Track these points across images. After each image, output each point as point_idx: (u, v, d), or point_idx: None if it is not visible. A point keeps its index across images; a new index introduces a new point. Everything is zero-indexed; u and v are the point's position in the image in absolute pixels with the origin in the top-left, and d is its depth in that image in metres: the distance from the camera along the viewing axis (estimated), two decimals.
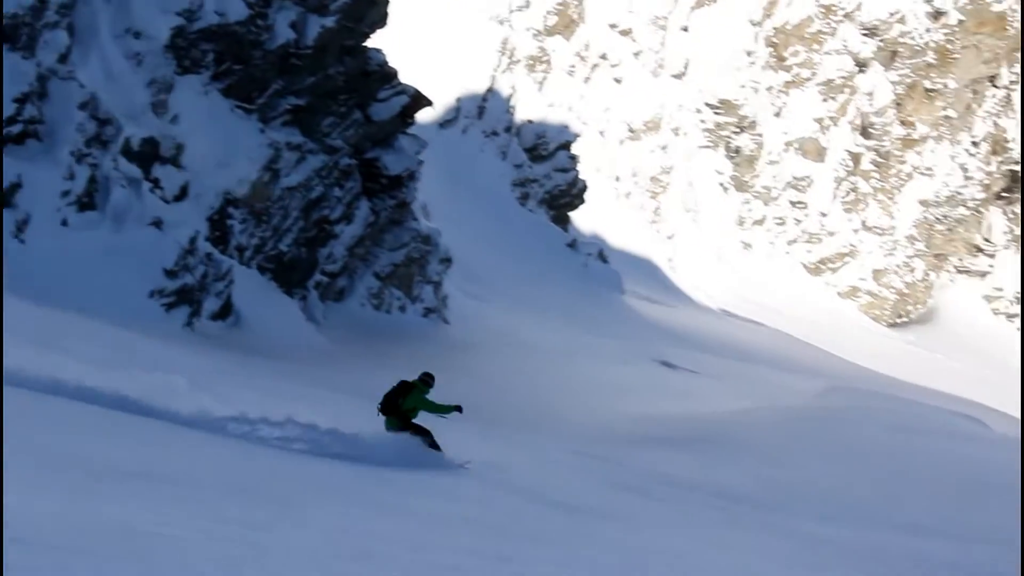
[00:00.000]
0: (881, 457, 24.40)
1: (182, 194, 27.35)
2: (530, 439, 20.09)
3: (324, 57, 30.81)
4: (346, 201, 31.66)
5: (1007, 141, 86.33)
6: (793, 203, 77.54)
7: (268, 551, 6.22)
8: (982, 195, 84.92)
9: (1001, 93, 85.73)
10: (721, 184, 74.41)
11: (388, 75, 33.08)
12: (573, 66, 63.08)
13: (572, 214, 54.74)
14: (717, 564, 9.01)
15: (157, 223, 26.04)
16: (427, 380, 14.66)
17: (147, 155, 26.86)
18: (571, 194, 54.27)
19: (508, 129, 52.84)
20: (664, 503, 14.39)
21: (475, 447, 17.15)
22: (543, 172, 53.97)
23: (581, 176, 55.24)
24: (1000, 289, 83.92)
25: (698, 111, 73.62)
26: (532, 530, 9.47)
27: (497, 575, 6.76)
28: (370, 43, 32.72)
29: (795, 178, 77.66)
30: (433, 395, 14.67)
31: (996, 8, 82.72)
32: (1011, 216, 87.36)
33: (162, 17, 27.56)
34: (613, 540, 9.83)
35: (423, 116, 37.90)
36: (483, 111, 51.38)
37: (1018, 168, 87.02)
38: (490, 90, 51.62)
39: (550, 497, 12.29)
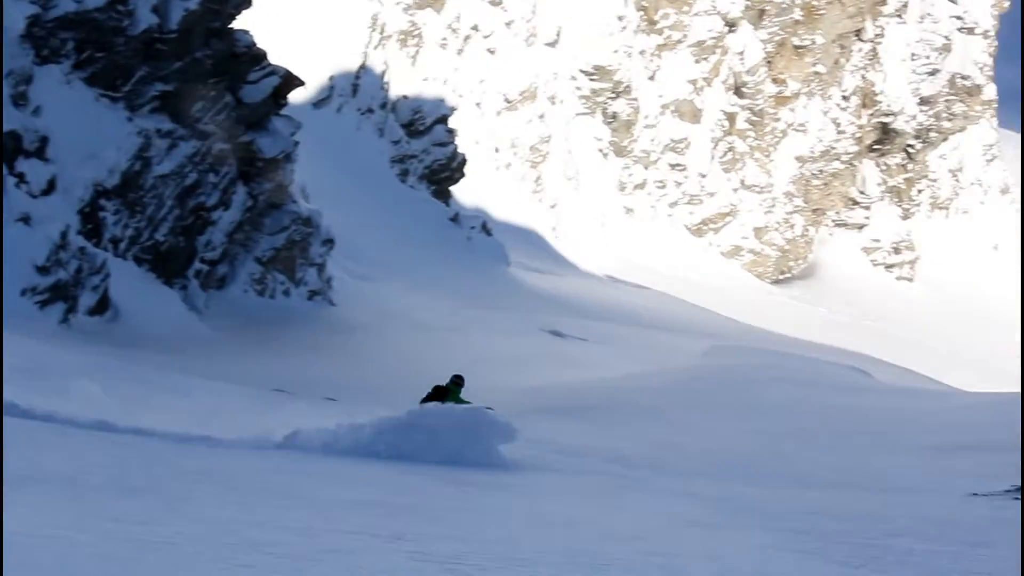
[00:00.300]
0: (771, 412, 24.57)
1: (50, 188, 26.62)
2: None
3: (190, 41, 30.16)
4: (222, 187, 31.08)
5: (876, 94, 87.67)
6: (672, 166, 77.95)
7: (157, 547, 5.96)
8: (855, 148, 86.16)
9: (867, 47, 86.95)
10: (600, 150, 74.57)
11: (257, 56, 32.51)
12: (445, 39, 62.68)
13: (453, 188, 54.47)
14: (613, 528, 8.87)
15: (25, 219, 25.33)
16: (458, 381, 15.41)
17: (10, 149, 26.08)
18: (451, 168, 54.00)
19: (383, 106, 52.38)
20: (560, 472, 14.25)
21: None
22: (421, 147, 53.63)
23: (460, 149, 54.98)
24: (877, 240, 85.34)
25: (573, 78, 73.64)
26: (429, 508, 9.27)
27: (390, 554, 6.55)
28: (236, 25, 32.11)
29: (673, 140, 78.06)
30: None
31: None
32: (883, 168, 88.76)
33: (15, 6, 26.73)
34: (509, 510, 9.65)
35: (296, 96, 37.35)
36: (357, 89, 50.86)
37: (888, 119, 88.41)
38: (363, 67, 51.09)
39: (446, 475, 12.08)
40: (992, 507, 12.96)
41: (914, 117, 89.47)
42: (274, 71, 32.94)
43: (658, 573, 6.86)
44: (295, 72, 33.82)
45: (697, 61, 78.92)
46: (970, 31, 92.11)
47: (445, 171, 53.79)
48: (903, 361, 48.90)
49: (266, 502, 8.36)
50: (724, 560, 7.83)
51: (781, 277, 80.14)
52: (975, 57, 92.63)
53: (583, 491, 12.36)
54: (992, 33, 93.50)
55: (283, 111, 33.81)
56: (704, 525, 9.85)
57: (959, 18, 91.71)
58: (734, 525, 10.01)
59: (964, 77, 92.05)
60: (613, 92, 75.59)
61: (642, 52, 76.98)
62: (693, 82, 78.47)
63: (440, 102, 56.25)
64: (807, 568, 7.84)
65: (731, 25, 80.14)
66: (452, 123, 55.53)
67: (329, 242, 35.31)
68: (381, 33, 53.38)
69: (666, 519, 10.02)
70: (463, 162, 54.58)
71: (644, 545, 7.99)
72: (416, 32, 59.33)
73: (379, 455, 12.84)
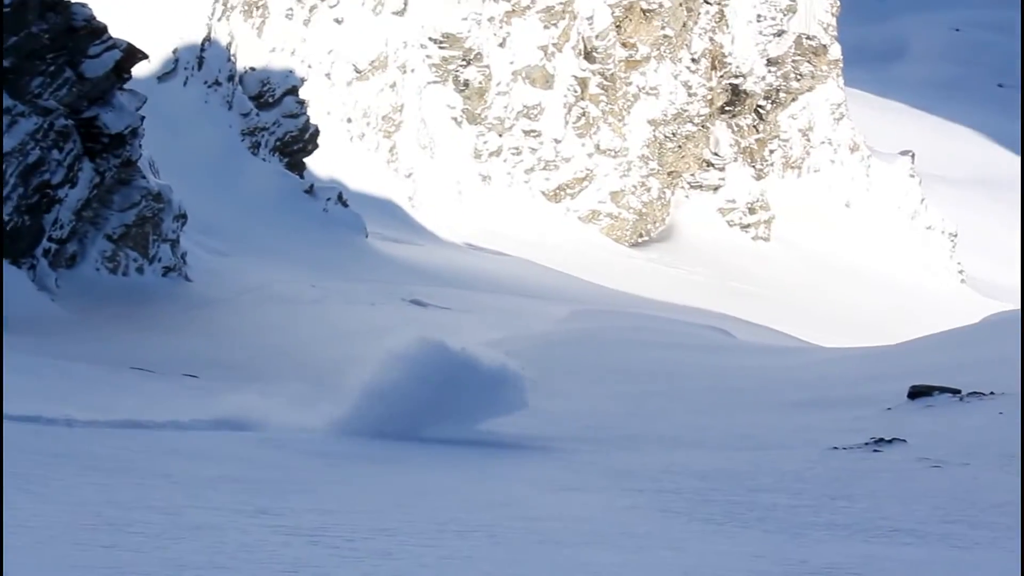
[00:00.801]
0: (635, 374, 24.75)
1: None
2: (287, 389, 19.68)
3: (24, 15, 29.31)
4: (67, 164, 30.35)
5: (724, 56, 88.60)
6: (526, 132, 78.02)
7: (11, 530, 5.74)
8: (707, 111, 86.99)
9: (714, 9, 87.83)
10: (454, 118, 74.38)
11: (97, 30, 31.74)
12: (291, 9, 61.90)
13: (307, 160, 53.95)
14: (480, 496, 8.84)
15: None
16: None
17: None
18: (303, 140, 53.50)
19: (231, 78, 51.57)
20: (430, 444, 14.18)
21: (255, 405, 16.64)
22: (272, 119, 53.02)
23: (311, 121, 54.43)
24: (732, 201, 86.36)
25: (423, 47, 73.27)
26: (296, 481, 9.15)
27: (255, 529, 6.41)
28: None
29: (526, 107, 78.11)
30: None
31: None
32: (735, 129, 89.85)
33: None
34: (381, 482, 9.56)
35: (140, 70, 36.56)
36: (202, 61, 49.95)
37: (737, 81, 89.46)
38: (207, 39, 50.16)
39: (316, 448, 11.96)
40: (851, 460, 13.31)
41: (763, 78, 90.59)
42: (115, 45, 32.18)
43: (522, 537, 6.83)
44: (137, 45, 33.11)
45: (546, 27, 78.99)
46: None
47: (297, 143, 53.27)
48: (763, 320, 49.64)
49: (127, 482, 8.16)
50: (590, 522, 7.86)
51: (639, 240, 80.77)
52: (820, 17, 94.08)
53: (449, 461, 12.33)
54: None
55: (127, 85, 33.09)
56: (571, 489, 9.89)
57: None
58: (600, 488, 10.09)
59: (810, 37, 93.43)
60: (464, 60, 75.36)
61: (491, 19, 76.85)
62: (543, 48, 78.54)
63: (289, 73, 55.60)
64: (672, 527, 7.92)
65: None
66: (302, 94, 54.95)
67: (182, 217, 34.75)
68: (225, 4, 52.46)
69: (532, 485, 10.05)
70: (315, 133, 54.08)
71: (509, 511, 7.99)
72: (261, 3, 58.50)
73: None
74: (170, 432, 12.47)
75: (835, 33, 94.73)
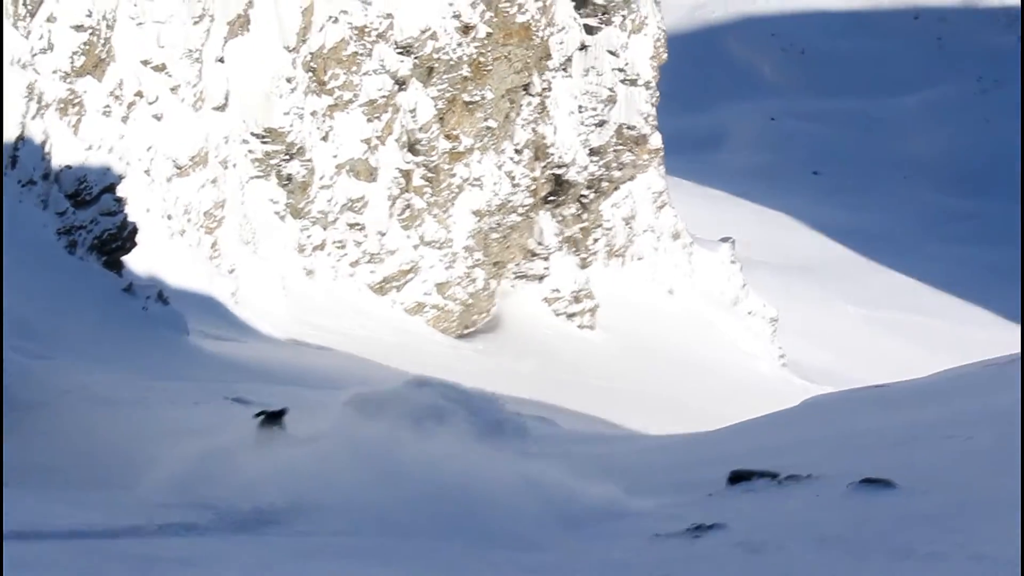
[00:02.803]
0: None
1: None
2: (99, 493, 19.38)
3: None
4: None
5: (547, 146, 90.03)
6: (351, 225, 78.12)
7: None
8: (530, 200, 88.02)
9: (536, 100, 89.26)
10: (277, 213, 74.19)
11: None
12: (108, 106, 61.20)
13: (125, 258, 53.16)
14: None
15: None
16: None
17: None
18: (121, 237, 52.73)
19: (46, 176, 50.71)
20: (238, 542, 14.06)
21: (60, 513, 16.41)
22: (89, 217, 52.16)
23: (130, 218, 53.70)
24: (557, 290, 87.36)
25: (245, 142, 73.09)
26: None
27: None
28: None
29: (350, 200, 78.24)
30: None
31: (521, 19, 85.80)
32: (559, 219, 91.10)
33: None
34: None
35: None
36: (16, 160, 49.08)
37: (561, 171, 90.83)
38: (21, 138, 49.36)
39: (123, 552, 11.81)
40: (672, 547, 13.48)
41: (585, 168, 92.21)
42: None
43: None
44: None
45: (369, 120, 79.38)
46: (632, 83, 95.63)
47: (115, 241, 52.48)
48: (589, 408, 50.16)
49: None
50: None
51: (466, 331, 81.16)
52: (640, 108, 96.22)
53: (256, 559, 12.21)
54: (653, 84, 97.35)
55: None
56: None
57: (621, 70, 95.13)
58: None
59: (630, 127, 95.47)
60: (287, 154, 75.26)
61: (313, 113, 77.00)
62: (367, 141, 78.90)
63: (107, 170, 54.84)
64: None
65: (401, 83, 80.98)
66: (121, 191, 54.21)
67: None
68: (39, 102, 51.73)
69: None
70: (134, 231, 53.35)
71: None
72: (77, 100, 57.78)
73: None
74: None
75: (655, 123, 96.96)
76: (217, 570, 10.73)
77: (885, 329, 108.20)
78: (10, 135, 48.81)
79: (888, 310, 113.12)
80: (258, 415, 22.44)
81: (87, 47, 61.22)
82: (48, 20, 57.37)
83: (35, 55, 55.69)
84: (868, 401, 25.91)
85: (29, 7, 55.25)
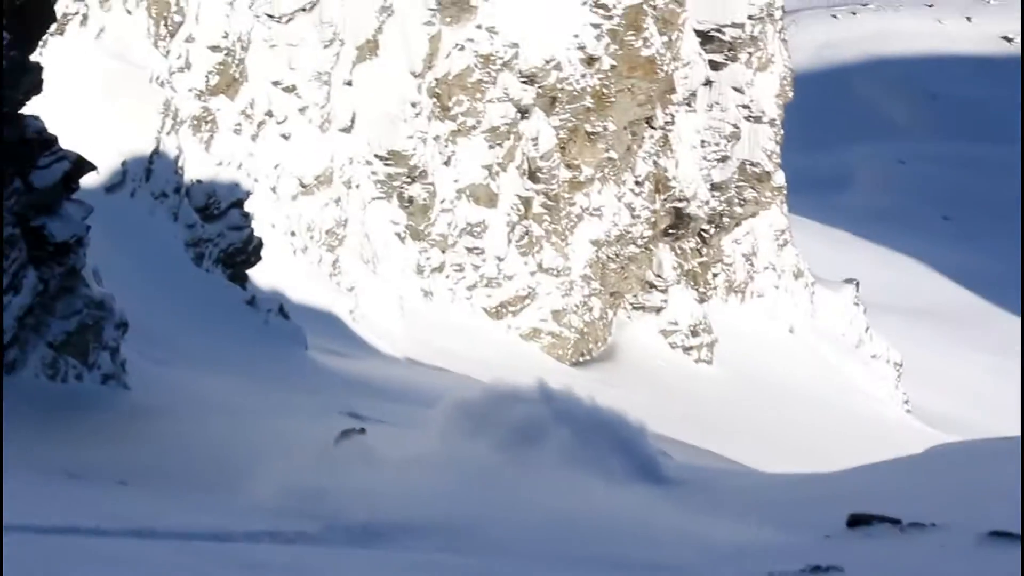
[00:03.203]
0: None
1: None
2: (212, 500, 19.74)
3: None
4: (12, 271, 30.42)
5: (668, 179, 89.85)
6: (469, 249, 78.57)
7: None
8: (650, 233, 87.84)
9: (658, 133, 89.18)
10: (397, 234, 74.88)
11: (48, 142, 31.95)
12: (239, 124, 62.48)
13: (249, 272, 54.04)
14: None
15: None
16: None
17: None
18: (247, 251, 53.58)
19: (177, 190, 51.84)
20: (351, 550, 14.29)
21: (174, 514, 16.80)
22: (216, 231, 53.12)
23: (256, 233, 54.59)
24: (675, 323, 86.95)
25: (368, 163, 73.99)
26: None
27: None
28: (26, 110, 31.58)
29: (469, 224, 78.72)
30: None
31: (646, 52, 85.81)
32: (679, 252, 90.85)
33: None
34: None
35: (88, 181, 36.77)
36: (150, 173, 50.25)
37: (681, 205, 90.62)
38: (156, 152, 50.53)
39: (234, 555, 12.08)
40: None
41: (707, 202, 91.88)
42: (65, 156, 32.38)
43: None
44: (87, 157, 33.37)
45: (491, 147, 79.92)
46: (757, 120, 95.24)
47: (241, 255, 53.35)
48: (704, 443, 49.91)
49: None
50: None
51: (581, 360, 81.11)
52: (763, 144, 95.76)
53: (368, 570, 12.38)
54: (778, 122, 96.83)
55: (74, 195, 33.28)
56: None
57: (746, 107, 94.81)
58: None
59: (753, 164, 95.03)
60: (409, 177, 76.01)
61: (436, 138, 77.75)
62: (488, 167, 79.42)
63: (235, 186, 55.85)
64: None
65: (524, 112, 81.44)
66: (247, 207, 55.18)
67: (123, 325, 34.72)
68: (174, 119, 52.92)
69: None
70: (259, 246, 54.21)
71: None
72: (210, 118, 59.04)
73: None
74: (92, 538, 12.56)
75: (779, 160, 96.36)
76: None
77: (1013, 378, 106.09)
78: (146, 149, 49.99)
79: (1016, 359, 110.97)
80: (343, 432, 23.09)
81: (222, 67, 62.59)
82: (187, 40, 58.82)
83: (173, 73, 57.08)
84: (997, 452, 25.42)
85: (170, 28, 56.67)
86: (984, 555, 14.26)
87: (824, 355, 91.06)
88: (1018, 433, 29.44)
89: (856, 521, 17.41)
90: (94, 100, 47.92)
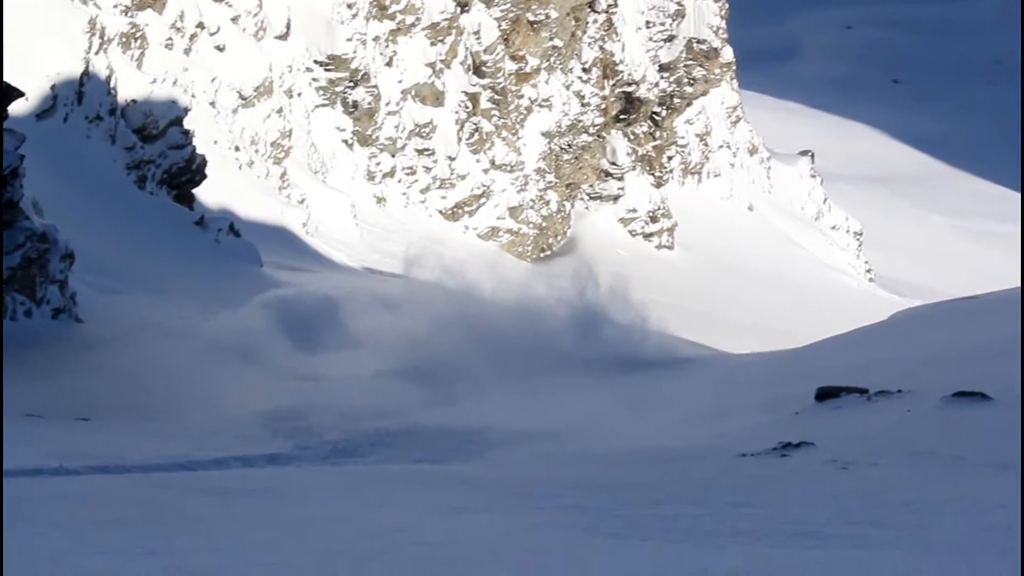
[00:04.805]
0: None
1: None
2: (177, 429, 19.63)
3: None
4: None
5: (616, 64, 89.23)
6: (419, 151, 78.06)
7: None
8: (601, 120, 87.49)
9: (602, 17, 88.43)
10: (345, 141, 74.27)
11: None
12: (170, 39, 61.39)
13: (195, 191, 53.49)
14: (379, 522, 8.84)
15: None
16: None
17: None
18: (190, 170, 53.00)
19: (112, 112, 51.01)
20: (328, 472, 14.22)
21: (125, 445, 16.64)
22: (157, 151, 52.43)
23: (198, 151, 53.93)
24: (634, 210, 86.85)
25: (309, 70, 73.16)
26: (185, 520, 9.07)
27: (145, 571, 6.38)
28: None
29: (417, 126, 78.13)
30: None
31: None
32: (632, 137, 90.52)
33: None
34: (273, 515, 9.53)
35: (17, 109, 36.16)
36: (82, 96, 49.36)
37: (631, 89, 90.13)
38: (86, 74, 49.60)
39: (205, 484, 11.91)
40: (758, 466, 13.44)
41: (656, 84, 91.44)
42: None
43: (418, 563, 6.87)
44: (13, 84, 32.68)
45: (433, 44, 79.08)
46: None
47: (185, 174, 52.76)
48: (669, 328, 49.83)
49: (12, 530, 8.07)
50: (489, 543, 7.89)
51: (542, 255, 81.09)
52: (709, 21, 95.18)
53: (350, 488, 12.31)
54: None
55: (4, 125, 32.64)
56: (471, 510, 9.93)
57: None
58: (502, 507, 10.14)
59: (700, 41, 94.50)
60: (351, 81, 75.20)
61: (376, 39, 76.79)
62: (431, 65, 78.65)
63: (172, 104, 54.99)
64: (576, 543, 7.99)
65: (463, 5, 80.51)
66: (187, 124, 54.43)
67: (69, 257, 34.26)
68: (102, 37, 51.93)
69: (431, 508, 10.07)
70: (203, 163, 53.62)
71: (406, 536, 8.00)
72: (139, 34, 57.92)
73: None
74: (59, 477, 12.41)
75: (726, 36, 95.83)
76: (301, 500, 10.79)
77: (974, 239, 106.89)
78: (75, 71, 49.06)
79: (976, 219, 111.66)
80: None
81: None
82: None
83: None
84: (959, 313, 25.59)
85: None
86: (951, 415, 14.39)
87: (784, 230, 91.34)
88: (979, 292, 29.60)
89: (824, 395, 17.56)
90: (15, 25, 46.92)
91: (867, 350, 23.57)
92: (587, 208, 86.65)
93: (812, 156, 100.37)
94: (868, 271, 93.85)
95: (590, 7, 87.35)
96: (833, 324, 38.57)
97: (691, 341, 44.40)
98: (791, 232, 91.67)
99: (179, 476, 13.11)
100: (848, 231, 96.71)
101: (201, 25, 65.30)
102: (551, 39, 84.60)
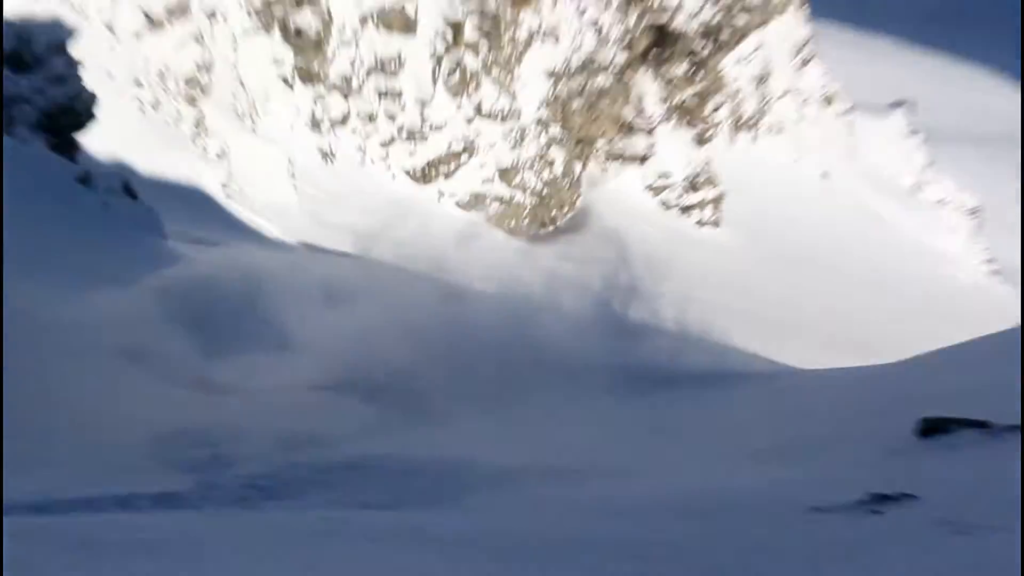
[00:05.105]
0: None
1: None
2: (35, 455, 19.30)
3: None
4: None
5: None
6: (382, 93, 78.31)
7: None
8: (624, 57, 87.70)
9: None
10: (283, 77, 74.43)
11: None
12: None
13: (81, 138, 53.47)
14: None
15: None
16: None
17: None
18: (75, 111, 53.10)
19: None
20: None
21: None
22: (33, 86, 52.57)
23: (87, 86, 53.98)
24: (666, 175, 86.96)
25: None
26: None
27: None
28: None
29: (380, 60, 78.35)
30: None
31: None
32: (665, 81, 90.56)
33: None
34: None
35: None
36: None
37: (664, 18, 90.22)
38: None
39: (67, 535, 11.45)
40: (840, 525, 13.00)
41: (698, 13, 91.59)
42: None
43: None
44: None
45: None
46: None
47: (67, 116, 52.84)
48: (714, 334, 49.72)
49: None
50: None
51: (542, 232, 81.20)
52: None
53: (258, 542, 11.87)
54: None
55: None
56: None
57: None
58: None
59: None
60: (294, 2, 75.49)
61: None
62: None
63: (55, 25, 55.11)
64: None
65: None
66: (74, 52, 54.45)
67: None
68: None
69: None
70: (91, 103, 53.66)
71: None
72: None
73: None
74: None
75: None
76: (197, 561, 10.43)
77: None
78: None
79: None
80: None
81: None
82: None
83: None
84: None
85: None
86: None
87: (870, 205, 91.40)
88: None
89: (930, 429, 17.19)
90: None
91: (988, 369, 23.27)
92: (604, 171, 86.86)
93: (911, 108, 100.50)
94: (988, 261, 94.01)
95: None
96: (939, 332, 38.44)
97: (744, 351, 44.25)
98: (880, 208, 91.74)
99: (33, 522, 12.71)
100: (960, 207, 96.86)
101: None
102: None
